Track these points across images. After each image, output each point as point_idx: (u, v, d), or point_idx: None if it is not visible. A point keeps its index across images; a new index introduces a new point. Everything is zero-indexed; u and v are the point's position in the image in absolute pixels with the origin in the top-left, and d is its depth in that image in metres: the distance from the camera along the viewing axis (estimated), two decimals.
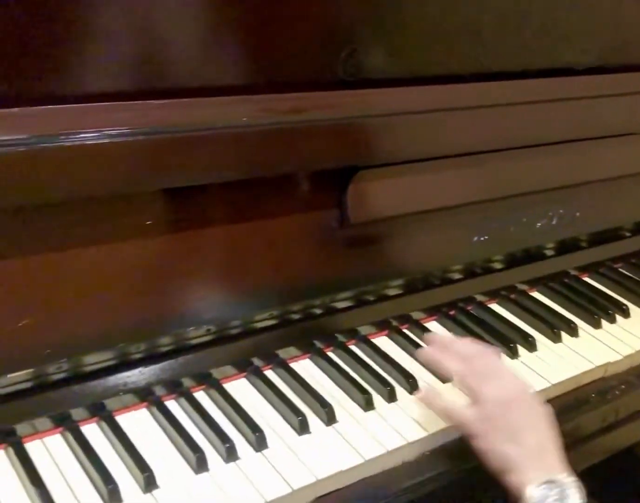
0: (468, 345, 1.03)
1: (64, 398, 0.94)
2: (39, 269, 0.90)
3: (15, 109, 0.83)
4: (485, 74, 1.22)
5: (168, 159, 0.92)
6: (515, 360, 1.17)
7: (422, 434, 1.00)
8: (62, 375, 0.94)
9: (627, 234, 1.52)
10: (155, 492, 0.87)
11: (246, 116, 0.97)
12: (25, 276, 0.89)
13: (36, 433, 0.92)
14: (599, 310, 1.31)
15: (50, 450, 0.91)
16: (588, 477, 0.93)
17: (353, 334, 1.17)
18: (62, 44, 0.86)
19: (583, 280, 1.42)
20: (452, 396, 1.02)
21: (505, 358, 1.16)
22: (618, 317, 1.32)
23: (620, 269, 1.48)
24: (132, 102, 0.91)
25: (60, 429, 0.94)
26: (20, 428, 0.91)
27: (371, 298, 1.19)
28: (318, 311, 1.14)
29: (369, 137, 1.10)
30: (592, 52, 1.33)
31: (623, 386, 1.19)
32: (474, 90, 1.21)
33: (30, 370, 0.91)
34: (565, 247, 1.41)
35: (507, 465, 0.90)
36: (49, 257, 0.90)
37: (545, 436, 0.92)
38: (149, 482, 0.87)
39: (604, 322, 1.29)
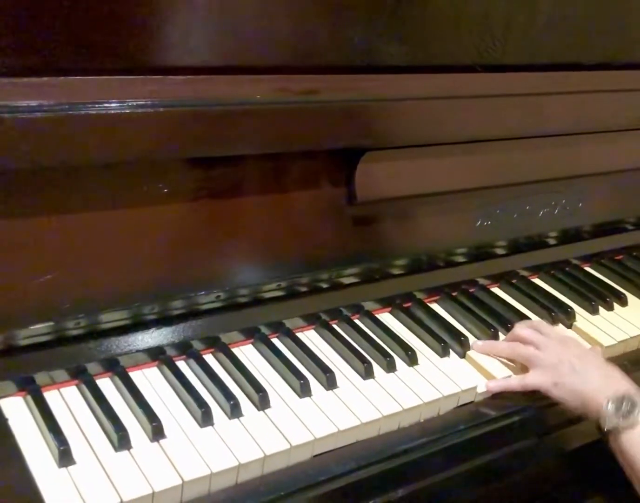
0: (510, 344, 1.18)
1: (80, 352, 1.00)
2: (64, 228, 0.96)
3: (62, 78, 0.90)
4: (494, 65, 1.26)
5: (191, 131, 0.98)
6: None
7: (418, 402, 1.05)
8: (79, 331, 1.00)
9: (630, 227, 1.56)
10: (162, 441, 0.93)
11: (260, 94, 1.02)
12: (51, 234, 0.95)
13: (54, 384, 0.98)
14: (598, 298, 1.36)
15: (66, 400, 0.97)
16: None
17: (357, 309, 1.22)
18: (102, 23, 0.92)
19: (584, 269, 1.47)
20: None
21: (502, 337, 1.21)
22: (616, 305, 1.36)
23: (621, 261, 1.52)
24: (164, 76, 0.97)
25: (76, 381, 0.99)
26: (39, 378, 0.97)
27: (376, 276, 1.24)
28: (324, 285, 1.19)
29: (378, 120, 1.15)
30: (599, 48, 1.38)
31: None
32: (482, 80, 1.26)
33: (51, 323, 0.97)
34: (568, 236, 1.46)
35: (582, 400, 1.05)
36: (73, 217, 0.96)
37: (604, 367, 1.10)
38: (156, 431, 0.93)
39: (601, 309, 1.34)
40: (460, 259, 1.34)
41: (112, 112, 0.92)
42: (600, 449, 1.06)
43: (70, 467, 0.87)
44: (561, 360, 1.10)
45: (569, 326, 1.29)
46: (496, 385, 1.11)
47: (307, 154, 1.12)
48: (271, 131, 1.05)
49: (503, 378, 1.13)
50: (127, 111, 0.92)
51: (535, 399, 1.12)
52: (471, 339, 1.20)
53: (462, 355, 1.17)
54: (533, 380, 1.10)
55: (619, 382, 1.06)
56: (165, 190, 1.02)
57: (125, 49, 0.95)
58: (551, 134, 1.33)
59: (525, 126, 1.29)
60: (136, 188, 1.01)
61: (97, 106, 0.90)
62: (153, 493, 0.86)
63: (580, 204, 1.43)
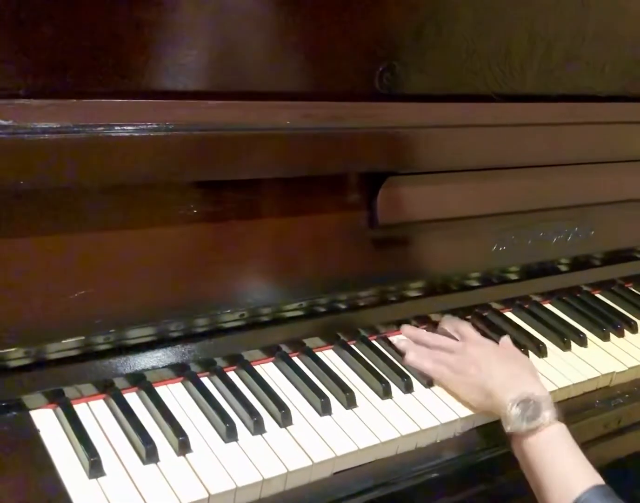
0: (433, 335, 1.24)
1: (108, 367, 1.03)
2: (97, 246, 0.99)
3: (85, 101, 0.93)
4: (512, 95, 1.30)
5: (217, 154, 1.01)
6: None
7: (435, 423, 1.08)
8: (108, 346, 1.03)
9: (639, 255, 1.59)
10: (188, 455, 0.95)
11: (289, 120, 1.06)
12: (84, 251, 0.98)
13: (82, 397, 1.01)
14: (608, 324, 1.39)
15: (94, 413, 1.00)
16: None
17: (375, 330, 1.25)
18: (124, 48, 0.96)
19: (595, 296, 1.50)
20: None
21: None
22: (626, 332, 1.39)
23: (631, 289, 1.55)
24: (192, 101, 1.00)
25: (104, 395, 1.02)
26: (68, 391, 1.00)
27: (392, 298, 1.27)
28: (343, 306, 1.22)
29: (400, 147, 1.18)
30: (614, 80, 1.41)
31: (627, 396, 1.27)
32: (500, 109, 1.29)
33: (81, 338, 0.99)
34: (579, 263, 1.49)
35: (486, 394, 1.08)
36: (106, 235, 0.99)
37: (515, 366, 1.13)
38: (183, 446, 0.95)
39: (612, 336, 1.37)
40: (475, 283, 1.36)
41: (140, 134, 0.96)
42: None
43: (100, 478, 0.90)
44: (470, 361, 1.13)
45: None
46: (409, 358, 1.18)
47: (331, 178, 1.15)
48: (297, 155, 1.09)
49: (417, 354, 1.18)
50: (163, 134, 0.95)
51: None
52: None
53: None
54: (442, 373, 1.14)
55: (526, 383, 1.07)
56: (195, 211, 1.05)
57: (155, 73, 0.98)
58: (566, 163, 1.36)
59: (542, 155, 1.32)
60: (166, 209, 1.04)
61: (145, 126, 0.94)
62: None
63: (592, 232, 1.46)
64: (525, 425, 1.01)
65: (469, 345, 1.18)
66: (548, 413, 1.02)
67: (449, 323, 1.27)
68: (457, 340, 1.22)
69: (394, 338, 1.25)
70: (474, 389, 1.10)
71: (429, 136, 1.21)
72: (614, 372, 1.27)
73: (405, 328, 1.25)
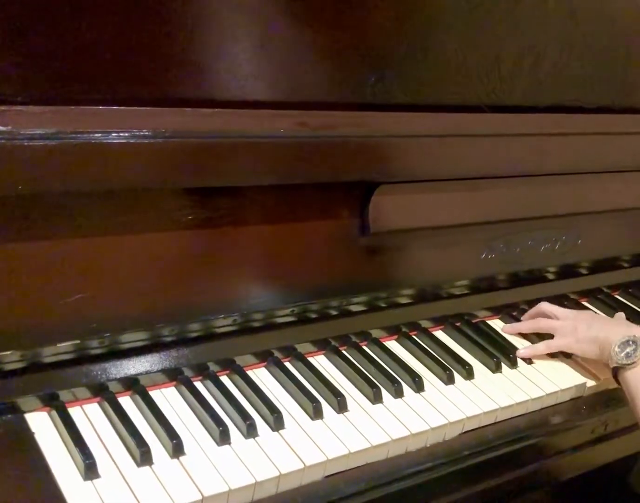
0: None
1: (102, 370, 1.04)
2: (93, 250, 1.00)
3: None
4: (501, 106, 1.32)
5: (211, 161, 1.03)
6: (513, 370, 1.27)
7: (425, 427, 1.09)
8: (102, 350, 1.04)
9: (625, 264, 1.62)
10: (182, 458, 0.96)
11: (283, 128, 1.08)
12: (80, 255, 0.99)
13: (76, 401, 1.02)
14: None
15: (89, 416, 1.01)
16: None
17: (365, 336, 1.26)
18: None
19: (582, 304, 1.52)
20: None
21: (505, 368, 1.26)
22: None
23: (617, 297, 1.57)
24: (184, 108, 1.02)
25: (98, 399, 1.03)
26: (62, 395, 1.01)
27: (383, 304, 1.29)
28: (334, 312, 1.24)
29: (391, 155, 1.20)
30: (601, 92, 1.44)
31: (614, 401, 1.28)
32: (490, 120, 1.32)
33: (77, 341, 1.01)
34: (567, 272, 1.51)
35: (598, 345, 1.24)
36: (102, 240, 1.00)
37: (614, 321, 1.36)
38: (177, 448, 0.96)
39: None
40: (464, 290, 1.38)
41: (136, 141, 0.97)
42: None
43: (95, 480, 0.91)
44: (578, 322, 1.30)
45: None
46: (525, 352, 1.30)
47: (323, 186, 1.16)
48: (291, 163, 1.10)
49: (530, 345, 1.32)
50: (160, 140, 0.97)
51: (535, 427, 1.17)
52: (476, 367, 1.24)
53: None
54: (558, 342, 1.30)
55: (627, 328, 1.25)
56: (189, 217, 1.06)
57: (160, 80, 1.00)
58: (554, 173, 1.39)
59: (529, 165, 1.35)
60: (160, 215, 1.05)
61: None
62: None
63: (580, 241, 1.48)
64: (626, 360, 1.17)
65: (569, 315, 1.33)
66: None
67: (545, 305, 1.39)
68: None
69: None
70: (589, 342, 1.26)
71: (419, 145, 1.23)
72: (601, 378, 1.29)
73: (505, 327, 1.39)
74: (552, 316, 1.35)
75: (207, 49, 1.04)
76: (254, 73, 1.08)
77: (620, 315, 1.42)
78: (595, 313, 1.45)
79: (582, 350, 1.27)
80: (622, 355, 1.18)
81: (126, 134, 0.94)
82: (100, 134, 0.94)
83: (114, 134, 0.94)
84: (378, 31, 1.17)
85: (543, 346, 1.30)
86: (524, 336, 1.37)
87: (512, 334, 1.36)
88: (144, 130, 0.95)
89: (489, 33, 1.28)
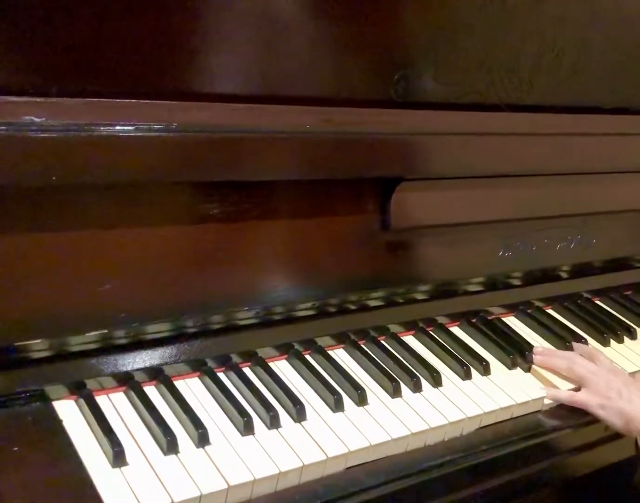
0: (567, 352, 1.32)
1: (128, 360, 1.06)
2: (122, 242, 1.02)
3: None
4: (521, 105, 1.34)
5: (240, 156, 1.05)
6: (528, 366, 1.28)
7: (443, 421, 1.11)
8: (128, 340, 1.06)
9: (638, 264, 1.63)
10: (207, 447, 0.98)
11: (309, 124, 1.09)
12: (109, 246, 1.01)
13: (102, 389, 1.04)
14: (608, 330, 1.42)
15: (115, 405, 1.02)
16: None
17: (383, 330, 1.28)
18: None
19: (595, 303, 1.54)
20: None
21: (521, 363, 1.28)
22: (625, 338, 1.43)
23: (630, 296, 1.59)
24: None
25: (124, 388, 1.05)
26: (89, 384, 1.03)
27: (401, 300, 1.30)
28: (353, 306, 1.25)
29: (413, 152, 1.22)
30: (619, 94, 1.45)
31: None
32: (508, 119, 1.33)
33: (104, 331, 1.02)
34: (581, 270, 1.53)
35: (627, 420, 1.17)
36: (130, 232, 1.02)
37: None
38: (202, 438, 0.98)
39: (612, 341, 1.41)
40: (480, 287, 1.40)
41: (167, 135, 0.99)
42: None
43: (123, 468, 0.92)
44: (610, 385, 1.21)
45: None
46: (548, 394, 1.22)
47: (346, 181, 1.18)
48: (316, 159, 1.12)
49: (555, 389, 1.24)
50: (190, 134, 0.98)
51: (551, 424, 1.19)
52: (492, 363, 1.26)
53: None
54: (582, 398, 1.21)
55: None
56: (216, 210, 1.08)
57: (184, 75, 1.02)
58: (571, 173, 1.40)
59: (548, 164, 1.36)
60: (187, 208, 1.07)
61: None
62: (201, 496, 0.91)
63: (594, 241, 1.50)
64: None
65: (605, 369, 1.26)
66: None
67: (581, 350, 1.33)
68: None
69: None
70: (615, 414, 1.18)
71: (440, 142, 1.24)
72: None
73: (537, 350, 1.31)
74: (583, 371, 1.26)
75: (233, 45, 1.05)
76: (277, 69, 1.09)
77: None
78: (628, 374, 1.32)
79: (607, 418, 1.20)
80: None
81: (161, 127, 0.96)
82: (132, 127, 0.95)
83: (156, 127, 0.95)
84: (402, 29, 1.19)
85: (566, 396, 1.23)
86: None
87: (541, 365, 1.29)
88: (174, 123, 0.97)
89: (510, 33, 1.30)
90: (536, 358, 1.29)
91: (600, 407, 1.19)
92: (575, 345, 1.35)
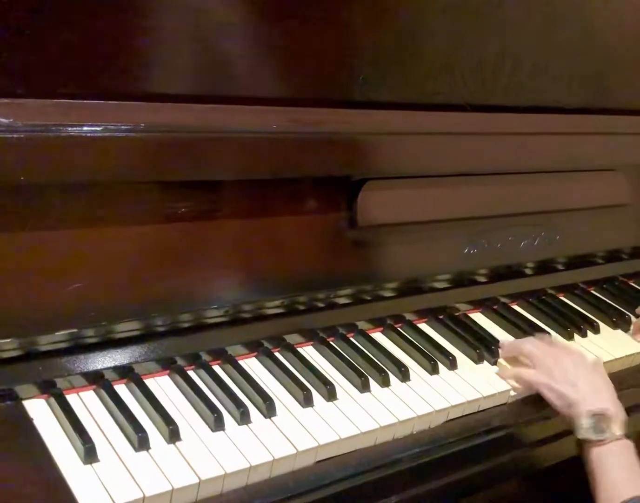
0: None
1: (98, 359, 1.06)
2: (90, 241, 1.02)
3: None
4: (483, 105, 1.37)
5: (206, 155, 1.06)
6: (494, 361, 1.31)
7: (411, 415, 1.13)
8: (97, 339, 1.06)
9: (600, 261, 1.67)
10: (178, 443, 0.99)
11: (276, 124, 1.11)
12: (78, 246, 1.02)
13: (73, 388, 1.04)
14: (572, 325, 1.45)
15: (85, 403, 1.03)
16: None
17: (352, 327, 1.30)
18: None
19: (559, 298, 1.57)
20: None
21: (487, 358, 1.30)
22: (589, 332, 1.46)
23: (593, 292, 1.63)
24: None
25: (94, 386, 1.06)
26: (59, 383, 1.03)
27: (368, 297, 1.32)
28: (322, 304, 1.27)
29: (377, 152, 1.24)
30: (580, 93, 1.49)
31: None
32: (472, 119, 1.36)
33: (73, 330, 1.03)
34: (545, 267, 1.56)
35: (567, 402, 1.16)
36: (99, 232, 1.03)
37: (597, 381, 1.20)
38: (173, 434, 0.99)
39: (576, 336, 1.44)
40: (446, 284, 1.42)
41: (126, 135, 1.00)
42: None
43: (94, 464, 0.93)
44: (558, 365, 1.21)
45: None
46: (499, 372, 1.26)
47: (313, 180, 1.20)
48: (283, 158, 1.14)
49: (505, 368, 1.27)
50: (158, 134, 1.00)
51: (517, 415, 1.21)
52: (459, 358, 1.28)
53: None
54: (529, 376, 1.23)
55: (604, 400, 1.16)
56: (183, 210, 1.09)
57: (151, 76, 1.03)
58: (534, 171, 1.43)
59: (511, 163, 1.39)
60: (153, 207, 1.08)
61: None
62: (172, 490, 0.92)
63: (558, 238, 1.53)
64: (594, 436, 1.11)
65: (556, 349, 1.26)
66: (617, 429, 1.12)
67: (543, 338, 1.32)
68: None
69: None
70: (555, 396, 1.18)
71: (405, 142, 1.27)
72: None
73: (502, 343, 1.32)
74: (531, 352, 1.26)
75: (199, 46, 1.07)
76: (245, 70, 1.11)
77: (598, 365, 1.26)
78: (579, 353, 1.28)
79: (551, 400, 1.19)
80: (591, 429, 1.12)
81: (124, 127, 0.97)
82: (100, 128, 0.96)
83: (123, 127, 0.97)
84: (367, 31, 1.21)
85: (512, 373, 1.25)
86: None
87: (504, 356, 1.29)
88: (141, 124, 0.98)
89: (472, 34, 1.32)
90: (501, 351, 1.31)
91: (545, 387, 1.20)
92: (538, 335, 1.35)
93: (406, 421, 1.12)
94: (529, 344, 1.27)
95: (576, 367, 1.21)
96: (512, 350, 1.29)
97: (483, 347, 1.32)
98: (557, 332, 1.43)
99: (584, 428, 1.13)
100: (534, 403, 1.23)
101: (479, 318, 1.44)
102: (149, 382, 1.09)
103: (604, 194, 1.57)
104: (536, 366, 1.23)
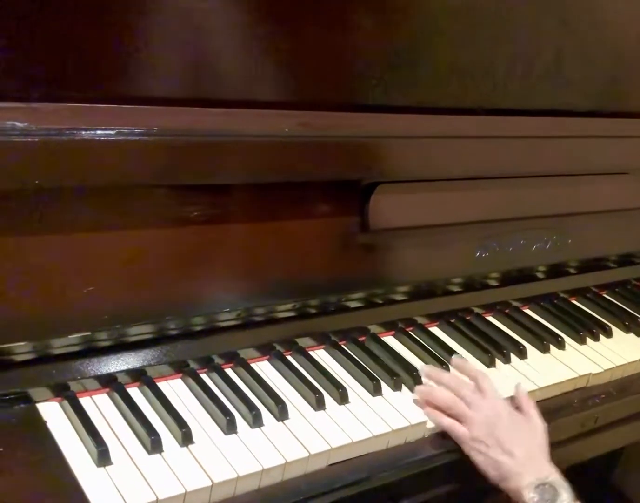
0: (454, 378, 1.19)
1: (110, 362, 1.07)
2: (104, 245, 1.03)
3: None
4: (495, 109, 1.36)
5: (219, 159, 1.06)
6: (507, 365, 1.31)
7: (423, 419, 1.13)
8: (110, 342, 1.07)
9: (612, 264, 1.66)
10: (191, 446, 0.99)
11: (288, 127, 1.11)
12: (92, 250, 1.02)
13: (86, 391, 1.05)
14: (584, 329, 1.45)
15: (99, 406, 1.03)
16: None
17: (364, 331, 1.30)
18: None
19: (571, 302, 1.56)
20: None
21: (498, 363, 1.30)
22: (601, 336, 1.46)
23: (605, 296, 1.62)
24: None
25: (107, 389, 1.06)
26: (72, 386, 1.04)
27: (380, 301, 1.32)
28: (333, 307, 1.27)
29: (390, 156, 1.24)
30: (592, 96, 1.49)
31: (603, 396, 1.33)
32: (483, 122, 1.36)
33: (87, 334, 1.03)
34: (557, 271, 1.56)
35: (503, 474, 1.05)
36: (113, 236, 1.03)
37: (532, 445, 1.09)
38: (186, 437, 0.99)
39: (588, 339, 1.44)
40: (458, 288, 1.42)
41: (139, 138, 1.01)
42: None
43: (108, 467, 0.93)
44: (491, 428, 1.08)
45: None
46: (430, 417, 1.13)
47: (325, 184, 1.20)
48: (295, 162, 1.14)
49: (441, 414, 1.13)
50: (172, 138, 1.00)
51: None
52: (470, 361, 1.28)
53: None
54: (461, 434, 1.09)
55: (542, 466, 1.05)
56: (196, 213, 1.09)
57: (164, 78, 1.04)
58: (546, 175, 1.43)
59: (523, 166, 1.39)
60: (168, 211, 1.08)
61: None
62: (185, 493, 0.92)
63: (570, 241, 1.52)
64: None
65: (486, 405, 1.11)
66: (566, 495, 1.02)
67: (464, 369, 1.22)
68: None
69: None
70: (489, 464, 1.06)
71: (417, 146, 1.27)
72: (590, 374, 1.33)
73: (426, 369, 1.20)
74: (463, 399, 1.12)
75: (212, 51, 1.07)
76: (258, 74, 1.11)
77: (514, 415, 1.12)
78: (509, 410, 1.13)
79: (483, 467, 1.07)
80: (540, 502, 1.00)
81: (142, 131, 0.98)
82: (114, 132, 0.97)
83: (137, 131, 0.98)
84: (379, 35, 1.21)
85: (447, 423, 1.11)
86: None
87: (425, 397, 1.15)
88: (155, 128, 0.99)
89: (483, 38, 1.32)
90: (420, 387, 1.17)
91: (477, 452, 1.07)
92: (456, 361, 1.24)
93: (418, 424, 1.12)
94: (466, 389, 1.14)
95: (509, 430, 1.08)
96: (433, 395, 1.15)
97: (495, 351, 1.32)
98: (569, 336, 1.43)
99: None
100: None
101: (491, 321, 1.43)
102: (162, 385, 1.09)
103: (616, 197, 1.57)
104: (467, 424, 1.10)
